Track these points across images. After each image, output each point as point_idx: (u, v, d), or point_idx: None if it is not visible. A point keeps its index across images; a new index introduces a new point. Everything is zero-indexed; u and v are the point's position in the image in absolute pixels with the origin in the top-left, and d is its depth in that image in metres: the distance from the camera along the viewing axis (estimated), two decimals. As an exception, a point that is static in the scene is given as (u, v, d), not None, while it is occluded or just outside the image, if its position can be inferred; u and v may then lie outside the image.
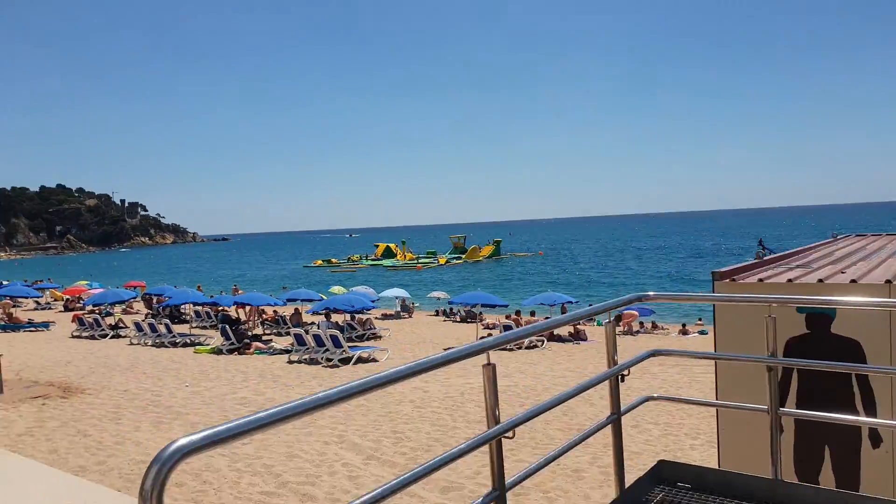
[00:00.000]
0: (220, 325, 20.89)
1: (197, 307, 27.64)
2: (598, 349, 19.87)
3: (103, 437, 10.28)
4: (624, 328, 24.69)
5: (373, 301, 21.18)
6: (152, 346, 21.95)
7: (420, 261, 79.91)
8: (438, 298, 36.56)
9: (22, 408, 12.07)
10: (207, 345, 21.79)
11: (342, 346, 17.09)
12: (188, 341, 22.14)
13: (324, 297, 30.72)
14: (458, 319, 30.89)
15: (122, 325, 25.22)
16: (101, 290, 40.58)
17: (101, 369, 16.69)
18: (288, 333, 24.71)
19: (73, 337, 24.57)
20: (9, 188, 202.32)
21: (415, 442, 9.84)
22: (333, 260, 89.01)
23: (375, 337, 23.38)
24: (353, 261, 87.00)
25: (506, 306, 21.94)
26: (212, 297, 28.49)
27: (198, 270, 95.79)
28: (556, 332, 22.12)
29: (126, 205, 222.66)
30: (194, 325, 27.12)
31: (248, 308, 28.43)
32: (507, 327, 19.92)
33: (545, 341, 20.72)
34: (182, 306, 27.87)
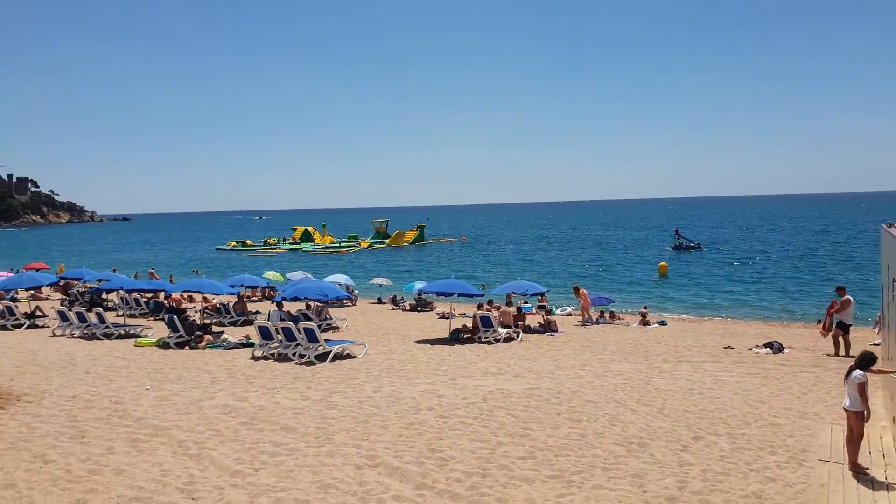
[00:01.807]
0: (166, 316, 18.40)
1: (124, 294, 24.70)
2: (578, 340, 18.88)
3: (70, 463, 8.15)
4: (582, 319, 23.92)
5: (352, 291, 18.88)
6: (80, 337, 19.17)
7: (342, 245, 77.30)
8: (381, 285, 34.79)
9: (-51, 423, 9.64)
10: (146, 336, 19.26)
11: (318, 341, 15.20)
12: (124, 332, 19.48)
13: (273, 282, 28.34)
14: (408, 308, 29.33)
15: (39, 313, 22.06)
16: (5, 274, 36.28)
17: (30, 368, 14.10)
18: (232, 324, 22.47)
19: (-20, 328, 21.25)
20: None
21: (464, 465, 8.30)
22: (249, 242, 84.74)
23: (332, 328, 21.47)
24: (270, 244, 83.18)
25: (482, 296, 20.53)
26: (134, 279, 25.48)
27: (100, 253, 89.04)
28: (528, 323, 20.97)
29: (14, 180, 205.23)
30: (120, 313, 24.22)
31: (184, 295, 25.81)
32: (484, 318, 18.55)
33: (521, 333, 19.52)
34: (105, 293, 24.82)
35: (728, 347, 17.25)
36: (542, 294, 22.33)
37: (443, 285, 19.25)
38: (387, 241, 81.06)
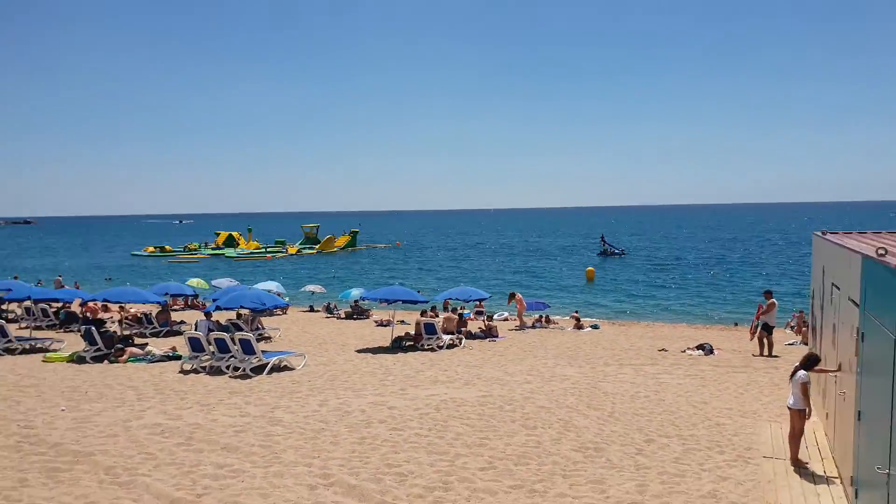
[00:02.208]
0: (82, 327, 17.04)
1: (29, 304, 22.86)
2: (519, 345, 18.67)
3: (-21, 499, 7.17)
4: (519, 324, 23.83)
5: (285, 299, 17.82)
6: (-20, 353, 17.51)
7: (268, 250, 75.21)
8: (313, 293, 33.77)
9: None
10: (56, 350, 17.81)
11: (255, 353, 14.33)
12: (30, 347, 17.95)
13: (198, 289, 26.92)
14: (343, 316, 28.54)
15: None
16: None
17: (-74, 390, 12.65)
18: (155, 335, 21.15)
19: None
20: None
21: (424, 479, 7.81)
22: (168, 247, 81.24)
23: (265, 339, 20.49)
24: (190, 249, 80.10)
25: (426, 302, 20.01)
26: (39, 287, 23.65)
27: (3, 257, 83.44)
28: (469, 328, 20.64)
29: None
30: (24, 325, 22.41)
31: (99, 304, 24.21)
32: (428, 325, 18.06)
33: (463, 340, 19.16)
34: (7, 303, 22.91)
35: (662, 350, 17.57)
36: (481, 300, 22.03)
37: (386, 292, 18.62)
38: (316, 246, 79.41)
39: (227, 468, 8.20)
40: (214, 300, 19.06)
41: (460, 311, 22.79)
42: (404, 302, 18.52)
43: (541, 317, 25.42)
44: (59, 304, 23.51)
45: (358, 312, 28.43)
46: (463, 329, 19.72)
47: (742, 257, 61.37)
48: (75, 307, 24.29)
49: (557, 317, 26.92)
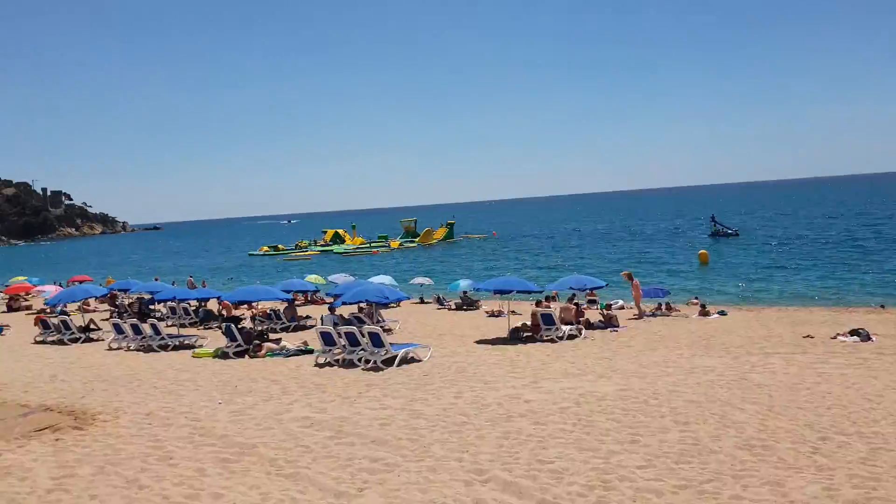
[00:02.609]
0: (223, 325, 17.97)
1: (172, 303, 24.37)
2: (645, 335, 18.04)
3: (165, 488, 7.62)
4: (638, 312, 23.04)
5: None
6: (136, 350, 18.82)
7: (372, 245, 76.94)
8: (422, 285, 34.18)
9: (32, 446, 9.18)
10: (201, 346, 18.85)
11: (384, 345, 14.62)
12: (179, 343, 19.09)
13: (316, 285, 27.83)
14: (453, 307, 28.72)
15: (93, 326, 21.79)
16: (54, 287, 36.28)
17: (98, 384, 13.70)
18: (284, 330, 22.01)
19: (37, 342, 21.03)
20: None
21: (581, 477, 7.62)
22: (280, 246, 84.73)
23: (386, 331, 20.88)
24: (301, 247, 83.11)
25: (540, 292, 19.79)
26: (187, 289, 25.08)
27: (135, 262, 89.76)
28: (588, 318, 20.19)
29: (48, 193, 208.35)
30: (169, 323, 23.92)
31: (225, 303, 25.41)
32: (546, 316, 17.83)
33: (583, 330, 18.77)
34: (155, 303, 24.50)
35: (808, 336, 16.35)
36: (596, 288, 21.47)
37: (500, 283, 18.55)
38: (416, 239, 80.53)
39: (381, 462, 8.34)
40: (337, 295, 19.59)
41: (577, 301, 22.33)
42: (519, 292, 18.30)
43: (660, 304, 24.52)
44: (198, 303, 24.89)
45: (467, 303, 28.52)
46: (581, 319, 19.31)
47: (877, 233, 56.35)
48: (212, 306, 25.69)
49: (678, 304, 25.90)
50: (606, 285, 22.39)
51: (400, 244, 78.14)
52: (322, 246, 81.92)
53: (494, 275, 44.81)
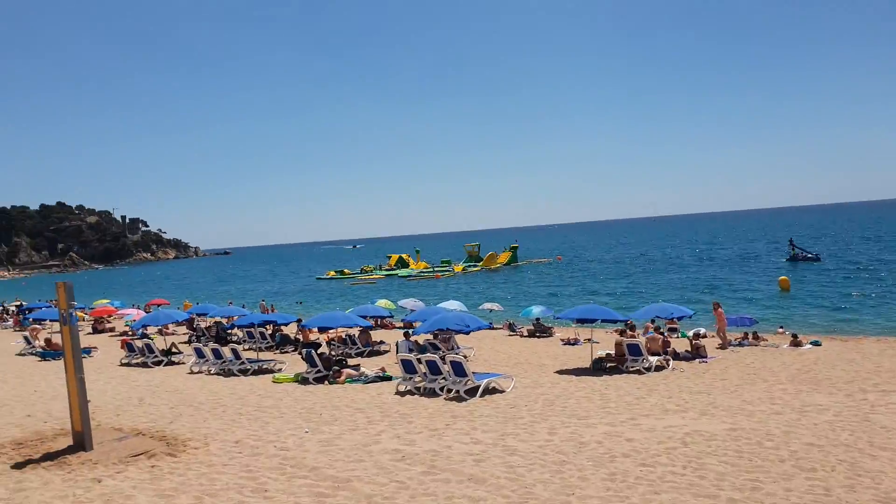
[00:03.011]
0: (303, 350, 17.92)
1: (250, 329, 24.60)
2: (738, 367, 17.01)
3: (263, 523, 7.34)
4: (723, 342, 21.88)
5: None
6: (216, 374, 18.95)
7: (436, 270, 76.89)
8: (491, 310, 33.65)
9: (129, 472, 9.10)
10: (279, 370, 18.84)
11: (466, 375, 14.17)
12: (258, 368, 19.12)
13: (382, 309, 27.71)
14: (525, 334, 28.07)
15: (175, 349, 22.15)
16: (136, 310, 37.43)
17: (185, 409, 13.71)
18: (359, 355, 21.86)
19: (123, 364, 21.49)
20: (9, 207, 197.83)
21: (705, 525, 6.95)
22: (347, 271, 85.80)
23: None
24: (366, 271, 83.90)
25: (626, 321, 19.03)
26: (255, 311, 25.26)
27: (206, 286, 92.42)
28: (674, 347, 19.25)
29: (127, 221, 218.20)
30: (245, 347, 24.14)
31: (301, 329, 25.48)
32: (633, 346, 17.06)
33: (670, 361, 17.88)
34: (233, 328, 24.77)
35: (924, 372, 15.07)
36: (682, 317, 20.50)
37: (584, 311, 17.89)
38: (479, 264, 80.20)
39: (482, 502, 7.86)
40: (412, 322, 19.24)
41: (662, 330, 21.38)
42: (603, 321, 17.50)
43: (746, 333, 23.29)
44: (274, 328, 25.07)
45: (541, 330, 27.84)
46: (668, 349, 18.42)
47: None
48: (287, 330, 25.86)
49: (764, 333, 24.56)
50: (694, 314, 21.36)
51: (463, 269, 77.95)
52: (387, 270, 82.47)
53: (559, 300, 43.95)
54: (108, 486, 8.54)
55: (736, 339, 22.84)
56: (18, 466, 9.51)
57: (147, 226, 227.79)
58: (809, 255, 59.58)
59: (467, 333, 17.20)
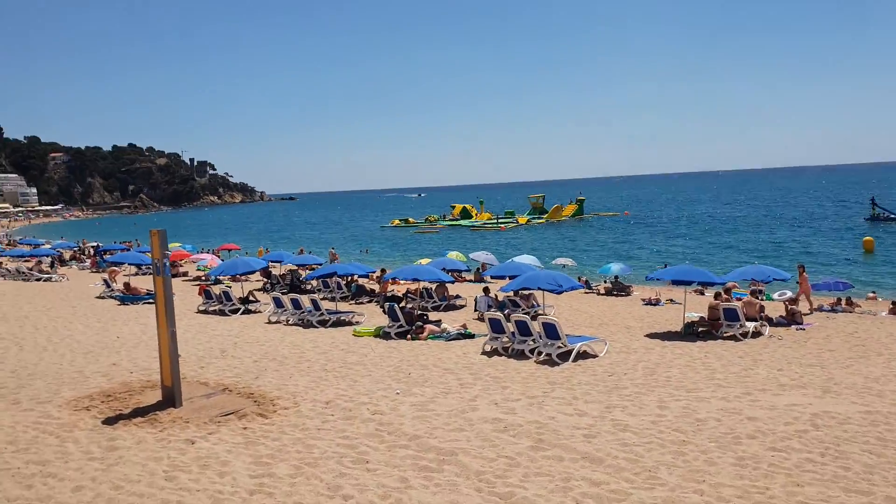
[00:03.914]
0: (385, 304, 17.51)
1: (325, 278, 24.39)
2: (839, 336, 15.72)
3: (373, 501, 6.83)
4: (810, 307, 20.39)
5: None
6: (295, 324, 18.77)
7: (500, 221, 75.88)
8: (564, 266, 32.66)
9: (222, 434, 8.77)
10: (360, 323, 18.53)
11: (559, 338, 13.41)
12: (337, 320, 18.84)
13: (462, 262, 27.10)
14: (603, 292, 27.09)
15: (252, 298, 22.14)
16: (210, 256, 37.97)
17: (269, 363, 13.45)
18: (435, 309, 21.39)
19: (200, 312, 21.64)
20: (83, 148, 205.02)
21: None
22: (411, 220, 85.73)
23: (539, 315, 19.69)
24: (431, 221, 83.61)
25: (722, 284, 17.87)
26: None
27: (273, 230, 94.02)
28: (767, 313, 17.96)
29: (195, 164, 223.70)
30: (321, 297, 23.97)
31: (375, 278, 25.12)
32: (729, 311, 15.94)
33: (767, 327, 16.69)
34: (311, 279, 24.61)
35: None
36: (780, 280, 19.12)
37: (678, 272, 16.79)
38: (544, 216, 78.80)
39: (605, 487, 7.15)
40: (498, 277, 18.45)
41: (755, 291, 20.05)
42: (700, 284, 16.37)
43: (840, 299, 21.73)
44: (350, 277, 24.84)
45: (619, 289, 26.81)
46: (763, 314, 17.19)
47: None
48: (365, 281, 25.71)
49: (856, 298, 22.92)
50: (790, 277, 19.97)
51: (528, 220, 76.75)
52: (451, 220, 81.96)
53: (626, 256, 42.51)
54: (203, 449, 8.20)
55: (829, 305, 21.37)
56: (110, 422, 9.31)
57: (214, 169, 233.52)
58: (893, 216, 56.04)
59: (559, 294, 16.38)
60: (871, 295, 25.00)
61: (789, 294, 23.42)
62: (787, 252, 42.50)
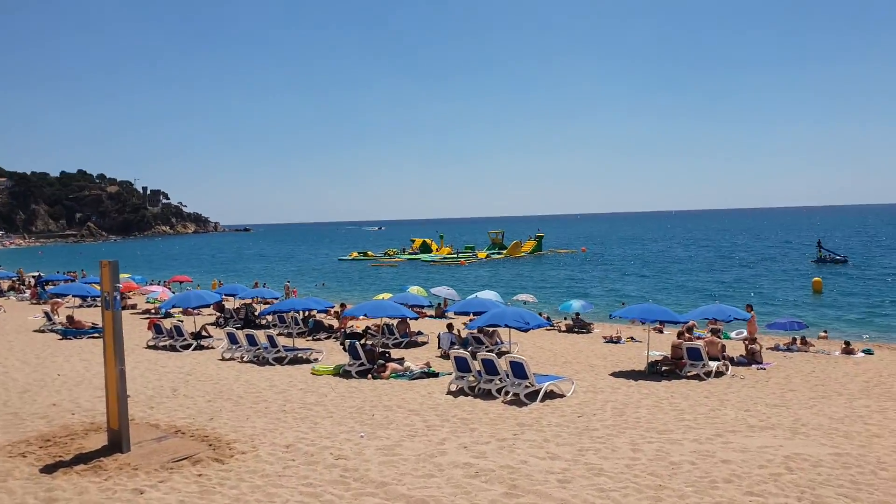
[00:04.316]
0: (347, 342, 16.99)
1: (282, 313, 23.70)
2: (800, 375, 15.87)
3: (337, 556, 6.36)
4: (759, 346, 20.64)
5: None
6: (250, 362, 18.05)
7: (460, 256, 75.80)
8: (525, 302, 32.61)
9: (175, 483, 8.15)
10: (318, 360, 17.95)
11: (527, 377, 13.13)
12: (294, 357, 18.21)
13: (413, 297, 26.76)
14: (563, 329, 27.02)
15: (205, 333, 21.30)
16: (160, 288, 36.74)
17: (223, 403, 12.80)
18: (396, 346, 20.92)
19: (149, 347, 20.70)
20: (29, 173, 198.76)
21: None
22: (370, 253, 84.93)
23: (502, 353, 19.42)
24: (389, 255, 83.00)
25: (685, 323, 17.91)
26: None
27: (227, 262, 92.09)
28: (728, 352, 18.07)
29: (148, 192, 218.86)
30: (277, 332, 23.24)
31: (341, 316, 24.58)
32: (693, 350, 15.93)
33: (729, 367, 16.75)
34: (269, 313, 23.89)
35: None
36: (740, 320, 19.32)
37: (642, 311, 16.77)
38: (504, 251, 79.10)
39: (584, 537, 6.83)
40: (462, 313, 18.18)
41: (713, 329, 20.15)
42: (662, 322, 16.36)
43: (795, 338, 22.11)
44: (310, 312, 24.26)
45: (580, 326, 26.79)
46: (725, 353, 17.28)
47: None
48: (323, 317, 25.09)
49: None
50: (750, 317, 20.24)
51: (487, 255, 76.91)
52: (410, 254, 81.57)
53: (582, 293, 42.76)
54: (153, 500, 7.60)
55: (784, 344, 21.74)
56: (48, 470, 8.58)
57: (168, 198, 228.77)
58: (838, 258, 58.12)
59: (526, 331, 16.15)
60: (823, 334, 25.50)
61: (745, 333, 23.77)
62: (738, 292, 43.32)
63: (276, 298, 29.96)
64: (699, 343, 16.45)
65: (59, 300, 30.10)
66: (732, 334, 23.88)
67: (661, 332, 25.23)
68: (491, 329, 19.89)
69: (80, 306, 32.67)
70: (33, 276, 48.76)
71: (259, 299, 31.28)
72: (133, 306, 33.91)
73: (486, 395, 13.52)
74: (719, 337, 17.80)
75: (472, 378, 13.98)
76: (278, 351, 17.88)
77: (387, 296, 28.06)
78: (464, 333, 20.27)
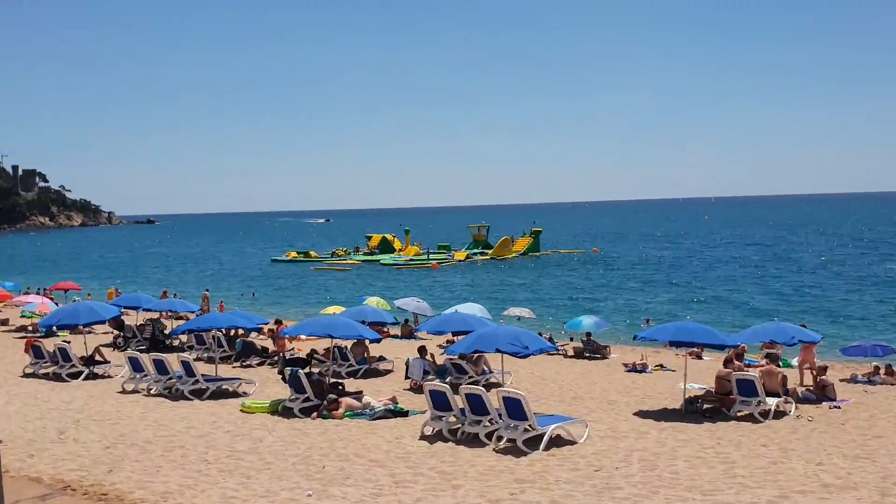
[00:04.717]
0: (287, 371, 16.87)
1: (201, 332, 23.59)
2: (887, 416, 16.07)
3: None
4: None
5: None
6: (160, 395, 17.91)
7: (431, 257, 75.92)
8: (520, 318, 32.70)
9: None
10: (250, 394, 17.88)
11: (526, 418, 13.10)
12: (221, 389, 18.11)
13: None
14: (571, 353, 27.19)
15: (99, 357, 21.06)
16: (38, 297, 36.22)
17: (126, 450, 12.72)
18: (352, 374, 20.89)
19: (27, 375, 20.50)
20: None
21: None
22: (313, 253, 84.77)
23: (491, 385, 19.43)
24: (338, 255, 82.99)
25: (736, 346, 18.04)
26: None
27: (125, 264, 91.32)
28: (792, 386, 18.25)
29: (20, 173, 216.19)
30: (195, 356, 23.08)
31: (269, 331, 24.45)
32: (745, 382, 15.98)
33: (794, 406, 16.87)
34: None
35: None
36: (810, 343, 19.57)
37: (677, 331, 16.87)
38: (489, 251, 79.23)
39: None
40: (437, 333, 18.15)
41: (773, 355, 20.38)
42: (706, 346, 16.48)
43: (877, 367, 22.38)
44: (238, 331, 24.22)
45: (592, 350, 27.01)
46: (787, 388, 17.44)
47: None
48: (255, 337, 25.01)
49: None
50: (822, 339, 20.49)
51: (468, 256, 77.12)
52: (366, 255, 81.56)
53: (597, 308, 42.96)
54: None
55: (864, 375, 22.00)
56: None
57: (46, 181, 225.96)
58: None
59: (523, 358, 16.17)
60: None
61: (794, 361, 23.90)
62: (797, 306, 43.87)
63: (193, 312, 29.76)
64: (753, 373, 16.59)
65: None
66: (793, 361, 24.05)
67: (700, 357, 25.43)
68: (475, 355, 19.85)
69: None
70: None
71: (170, 313, 31.08)
72: (4, 321, 33.65)
73: (473, 440, 13.53)
74: (779, 365, 17.98)
75: (452, 418, 14.01)
76: (196, 381, 17.81)
77: (337, 309, 28.08)
78: (441, 360, 20.27)
